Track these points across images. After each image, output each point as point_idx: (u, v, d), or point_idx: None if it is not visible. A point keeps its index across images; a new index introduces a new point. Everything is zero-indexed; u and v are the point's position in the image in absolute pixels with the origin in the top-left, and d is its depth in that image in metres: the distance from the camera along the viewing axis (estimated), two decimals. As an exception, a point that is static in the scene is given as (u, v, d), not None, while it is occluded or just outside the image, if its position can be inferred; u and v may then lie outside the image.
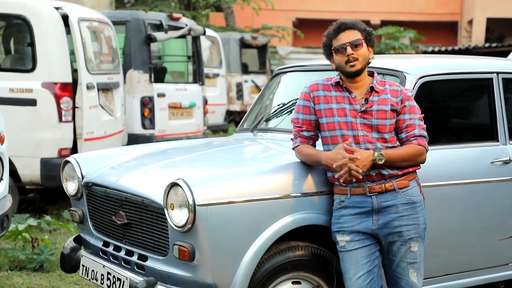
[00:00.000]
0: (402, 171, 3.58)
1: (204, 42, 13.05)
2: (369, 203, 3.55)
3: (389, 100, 3.58)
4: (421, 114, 3.64)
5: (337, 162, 3.44)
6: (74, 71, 7.16)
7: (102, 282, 3.88)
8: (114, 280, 3.79)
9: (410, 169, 3.61)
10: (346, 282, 3.58)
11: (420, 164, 3.65)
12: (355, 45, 3.55)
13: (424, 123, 3.65)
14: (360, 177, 3.44)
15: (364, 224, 3.56)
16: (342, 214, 3.59)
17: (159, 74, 9.80)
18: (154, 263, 3.67)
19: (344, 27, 3.57)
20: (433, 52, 17.76)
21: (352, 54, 3.54)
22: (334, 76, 3.69)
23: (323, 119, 3.62)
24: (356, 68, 3.56)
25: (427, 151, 3.61)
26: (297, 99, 3.78)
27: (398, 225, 3.56)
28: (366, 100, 3.58)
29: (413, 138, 3.57)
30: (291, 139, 3.76)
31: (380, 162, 3.46)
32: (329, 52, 3.65)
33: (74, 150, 6.96)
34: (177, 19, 9.51)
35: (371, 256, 3.58)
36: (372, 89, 3.60)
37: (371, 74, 3.67)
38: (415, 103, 3.65)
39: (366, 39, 3.59)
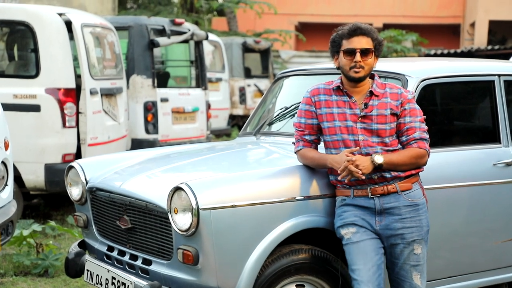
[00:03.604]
0: (405, 173, 3.59)
1: (207, 47, 13.08)
2: (371, 204, 3.56)
3: (389, 104, 3.58)
4: (423, 116, 3.65)
5: (340, 165, 3.46)
6: (78, 77, 7.19)
7: (106, 286, 3.89)
8: (118, 284, 3.80)
9: (413, 172, 3.62)
10: (354, 273, 3.51)
11: (423, 167, 3.66)
12: (365, 53, 3.56)
13: (427, 126, 3.65)
14: (363, 177, 3.45)
15: (367, 222, 3.56)
16: (345, 210, 3.59)
17: (162, 79, 9.83)
18: (158, 267, 3.68)
19: (359, 32, 3.57)
20: (435, 55, 17.76)
21: (360, 62, 3.54)
22: (335, 80, 3.70)
23: (325, 124, 3.63)
24: (359, 75, 3.57)
25: (428, 154, 3.62)
26: (300, 103, 3.79)
27: (400, 227, 3.56)
28: (366, 104, 3.59)
29: (413, 142, 3.57)
30: (293, 143, 3.78)
31: (379, 161, 3.46)
32: (336, 50, 3.65)
33: (78, 155, 6.97)
34: (179, 24, 9.53)
35: (379, 250, 3.57)
36: (371, 93, 3.61)
37: (371, 77, 3.68)
38: (416, 105, 3.65)
39: (375, 48, 3.60)
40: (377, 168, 3.48)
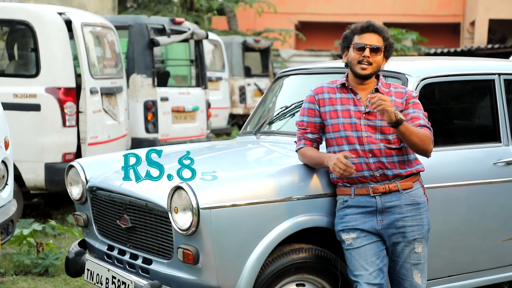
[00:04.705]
0: (406, 172, 3.59)
1: (207, 46, 13.08)
2: (373, 203, 3.57)
3: (394, 102, 3.60)
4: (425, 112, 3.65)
5: (336, 165, 3.42)
6: (78, 76, 7.19)
7: (107, 286, 3.89)
8: (119, 284, 3.80)
9: (414, 171, 3.62)
10: (356, 278, 3.54)
11: (423, 167, 3.66)
12: (374, 50, 3.57)
13: (427, 125, 3.66)
14: (354, 172, 3.44)
15: (369, 224, 3.57)
16: (346, 213, 3.60)
17: (162, 78, 9.83)
18: (159, 266, 3.68)
19: (371, 29, 3.59)
20: (435, 54, 17.76)
21: (368, 57, 3.56)
22: (339, 79, 3.71)
23: (328, 121, 3.64)
24: (366, 72, 3.58)
25: (432, 143, 3.58)
26: (300, 101, 3.80)
27: (402, 225, 3.57)
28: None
29: (419, 127, 3.54)
30: (295, 141, 3.78)
31: (401, 116, 3.38)
32: (346, 45, 3.66)
33: (78, 154, 6.97)
34: (179, 23, 9.54)
35: (380, 253, 3.58)
36: (377, 90, 3.62)
37: (376, 77, 3.69)
38: (419, 102, 3.67)
39: (385, 48, 3.61)
40: (395, 123, 3.38)
